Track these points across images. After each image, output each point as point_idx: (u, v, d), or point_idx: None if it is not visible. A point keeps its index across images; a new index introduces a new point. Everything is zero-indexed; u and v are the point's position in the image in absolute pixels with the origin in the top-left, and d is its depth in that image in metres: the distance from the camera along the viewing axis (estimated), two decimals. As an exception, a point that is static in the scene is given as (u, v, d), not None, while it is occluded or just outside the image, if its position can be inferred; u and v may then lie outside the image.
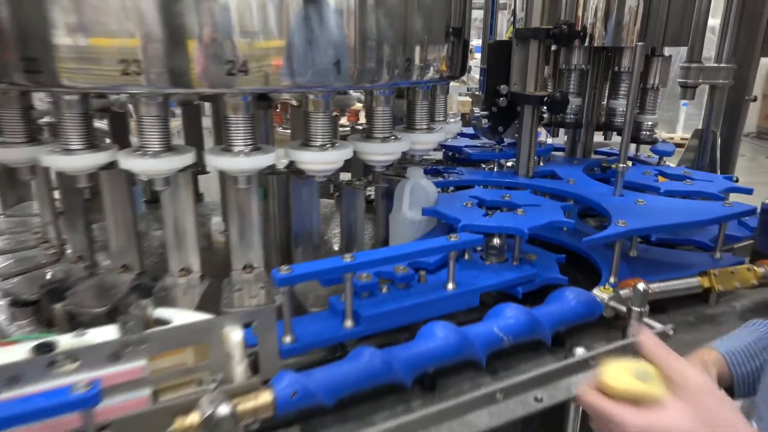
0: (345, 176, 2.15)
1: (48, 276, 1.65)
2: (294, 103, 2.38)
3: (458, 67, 1.80)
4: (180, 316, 1.31)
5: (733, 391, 1.18)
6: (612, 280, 1.62)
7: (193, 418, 1.04)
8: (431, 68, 1.67)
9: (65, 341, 1.15)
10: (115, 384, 1.07)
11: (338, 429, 1.21)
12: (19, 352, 1.11)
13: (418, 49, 1.59)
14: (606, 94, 2.43)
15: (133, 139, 1.87)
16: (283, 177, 1.76)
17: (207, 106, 2.44)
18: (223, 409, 0.95)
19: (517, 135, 2.14)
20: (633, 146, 2.56)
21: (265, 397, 1.09)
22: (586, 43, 2.20)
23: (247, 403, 1.07)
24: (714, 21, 2.80)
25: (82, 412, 0.96)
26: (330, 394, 1.13)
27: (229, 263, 1.65)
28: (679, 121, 10.90)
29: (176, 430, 1.04)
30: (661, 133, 7.35)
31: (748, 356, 1.16)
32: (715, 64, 2.75)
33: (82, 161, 1.34)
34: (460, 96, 8.66)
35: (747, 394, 1.12)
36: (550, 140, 2.58)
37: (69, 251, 1.75)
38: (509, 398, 1.25)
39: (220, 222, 2.17)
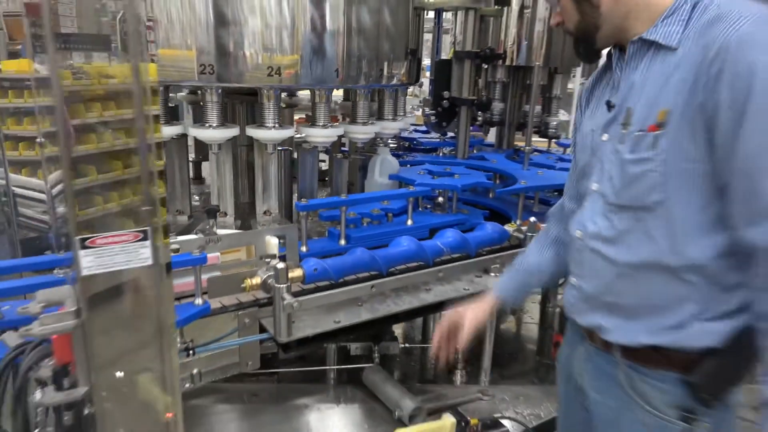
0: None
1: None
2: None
3: (414, 77, 2.54)
4: (231, 232, 1.99)
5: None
6: (517, 222, 2.38)
7: (256, 279, 1.72)
8: (395, 77, 2.40)
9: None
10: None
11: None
12: (143, 243, 1.75)
13: (386, 63, 2.32)
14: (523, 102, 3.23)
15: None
16: (288, 153, 2.45)
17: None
18: (280, 265, 1.63)
19: (456, 129, 2.90)
20: (545, 141, 3.36)
21: (298, 271, 1.77)
22: (507, 63, 2.99)
23: (288, 274, 1.75)
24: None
25: (195, 268, 1.63)
26: (337, 273, 1.82)
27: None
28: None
29: (246, 287, 1.71)
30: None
31: (514, 285, 1.56)
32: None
33: (166, 131, 2.00)
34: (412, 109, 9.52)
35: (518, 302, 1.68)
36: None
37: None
38: (447, 282, 1.98)
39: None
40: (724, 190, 1.05)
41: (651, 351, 1.17)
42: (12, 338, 1.15)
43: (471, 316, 1.52)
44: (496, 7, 2.85)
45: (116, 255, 0.99)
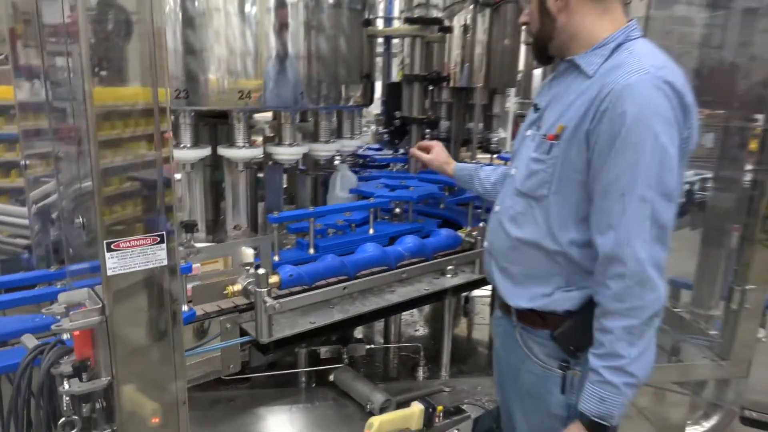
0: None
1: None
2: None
3: (369, 98, 2.75)
4: (209, 245, 2.12)
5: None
6: (468, 228, 2.62)
7: (237, 286, 1.86)
8: (352, 98, 2.60)
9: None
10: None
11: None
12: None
13: (343, 86, 2.51)
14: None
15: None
16: (254, 171, 2.60)
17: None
18: (261, 270, 1.78)
19: (407, 146, 3.13)
20: (488, 156, 3.64)
21: (275, 277, 1.92)
22: (451, 85, 3.25)
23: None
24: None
25: (181, 277, 1.75)
26: (310, 278, 1.99)
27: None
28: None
29: (228, 293, 1.85)
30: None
31: (467, 172, 2.06)
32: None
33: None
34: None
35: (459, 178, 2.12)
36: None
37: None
38: (409, 284, 2.18)
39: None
40: (591, 197, 1.32)
41: (533, 314, 1.46)
42: (30, 340, 1.25)
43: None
44: (439, 33, 3.11)
45: (137, 257, 1.13)
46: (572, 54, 1.41)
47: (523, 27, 1.62)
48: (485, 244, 1.66)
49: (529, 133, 1.50)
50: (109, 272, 1.11)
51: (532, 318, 1.47)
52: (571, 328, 1.40)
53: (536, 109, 1.50)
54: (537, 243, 1.42)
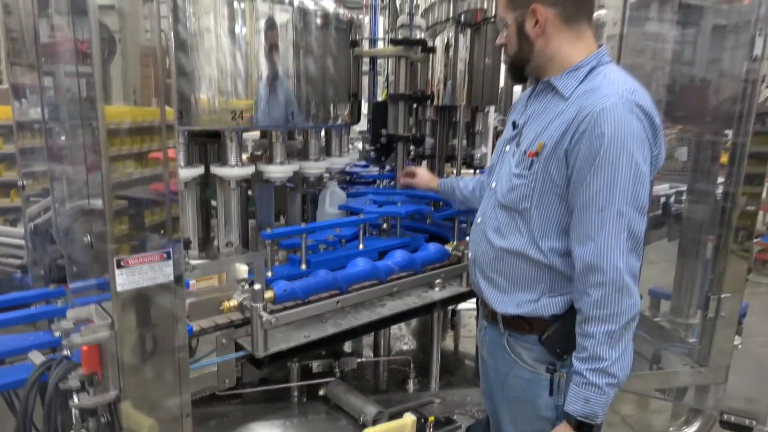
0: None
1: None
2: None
3: (356, 117, 2.83)
4: (203, 261, 2.16)
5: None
6: (455, 242, 2.69)
7: (233, 302, 1.90)
8: (340, 117, 2.67)
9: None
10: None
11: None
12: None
13: (332, 106, 2.58)
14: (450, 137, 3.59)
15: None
16: (244, 188, 2.64)
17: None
18: (257, 286, 1.82)
19: (393, 162, 3.20)
20: (471, 171, 3.73)
21: (269, 292, 1.96)
22: (435, 103, 3.34)
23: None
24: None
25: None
26: (303, 292, 2.03)
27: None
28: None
29: (224, 309, 1.88)
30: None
31: (449, 184, 2.34)
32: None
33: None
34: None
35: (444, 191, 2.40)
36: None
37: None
38: (399, 297, 2.24)
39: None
40: (571, 210, 1.42)
41: (519, 320, 1.54)
42: (37, 357, 1.28)
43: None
44: (423, 54, 3.20)
45: (145, 273, 1.18)
46: (548, 75, 1.51)
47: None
48: (469, 255, 1.73)
49: (508, 148, 1.58)
50: (119, 288, 1.15)
51: (519, 324, 1.54)
52: (557, 332, 1.47)
53: (514, 126, 1.59)
54: (522, 252, 1.51)
